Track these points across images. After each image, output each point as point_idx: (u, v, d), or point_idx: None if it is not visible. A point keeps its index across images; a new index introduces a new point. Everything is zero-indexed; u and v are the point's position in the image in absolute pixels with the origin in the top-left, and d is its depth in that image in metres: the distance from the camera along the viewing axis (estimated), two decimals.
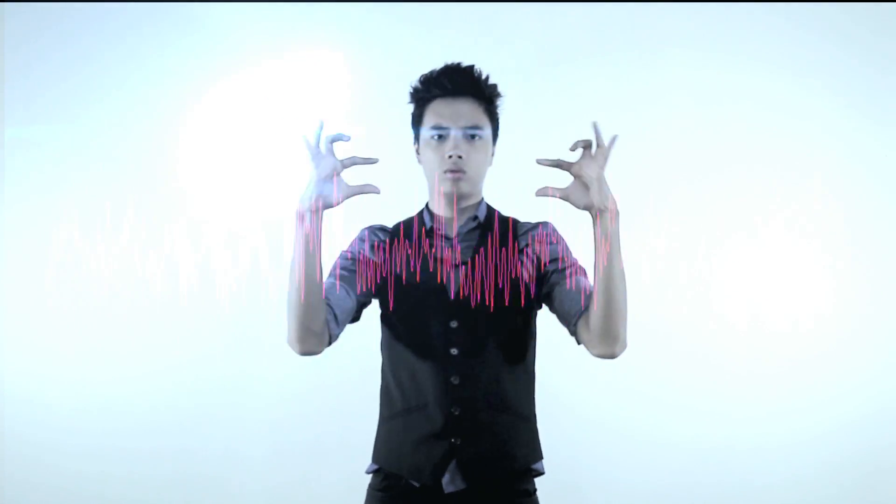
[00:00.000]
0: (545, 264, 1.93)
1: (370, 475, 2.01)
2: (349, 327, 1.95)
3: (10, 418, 3.35)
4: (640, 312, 3.23)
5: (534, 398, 1.99)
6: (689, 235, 3.29)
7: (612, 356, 1.82)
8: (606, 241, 1.73)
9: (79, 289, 3.32)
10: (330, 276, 1.94)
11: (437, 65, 1.98)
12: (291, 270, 1.78)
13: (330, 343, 1.88)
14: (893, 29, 3.34)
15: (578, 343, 1.88)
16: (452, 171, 1.93)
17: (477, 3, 3.31)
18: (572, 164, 1.77)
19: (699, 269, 3.29)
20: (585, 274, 1.94)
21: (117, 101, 3.37)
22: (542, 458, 1.98)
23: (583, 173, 1.76)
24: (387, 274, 1.95)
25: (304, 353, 1.84)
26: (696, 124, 3.35)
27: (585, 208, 1.76)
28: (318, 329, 1.81)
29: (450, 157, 1.92)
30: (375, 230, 2.03)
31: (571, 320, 1.87)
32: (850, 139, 3.35)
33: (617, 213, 1.74)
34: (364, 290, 1.94)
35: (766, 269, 3.32)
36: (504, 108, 2.02)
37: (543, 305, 1.99)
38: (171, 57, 3.37)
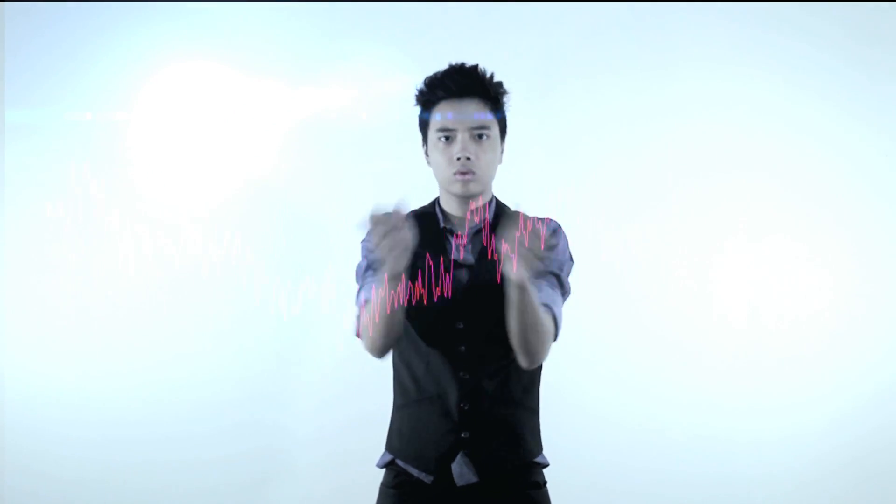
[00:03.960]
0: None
1: (382, 470, 2.01)
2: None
3: (10, 417, 3.34)
4: (641, 309, 3.33)
5: (539, 391, 2.02)
6: (689, 235, 3.31)
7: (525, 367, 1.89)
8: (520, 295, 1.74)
9: (80, 284, 3.32)
10: (369, 285, 1.92)
11: (443, 65, 1.96)
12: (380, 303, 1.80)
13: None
14: (890, 28, 3.37)
15: None
16: (462, 173, 1.92)
17: (487, 3, 3.32)
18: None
19: (699, 267, 3.31)
20: (557, 286, 1.94)
21: (121, 97, 3.37)
22: (542, 450, 2.01)
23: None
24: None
25: (382, 357, 1.91)
26: (694, 126, 3.37)
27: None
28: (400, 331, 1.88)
29: (458, 158, 1.91)
30: None
31: None
32: (847, 139, 3.38)
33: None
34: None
35: (764, 268, 3.35)
36: (512, 107, 2.00)
37: None
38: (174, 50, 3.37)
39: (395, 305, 1.77)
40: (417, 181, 2.04)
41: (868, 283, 3.36)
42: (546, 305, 1.86)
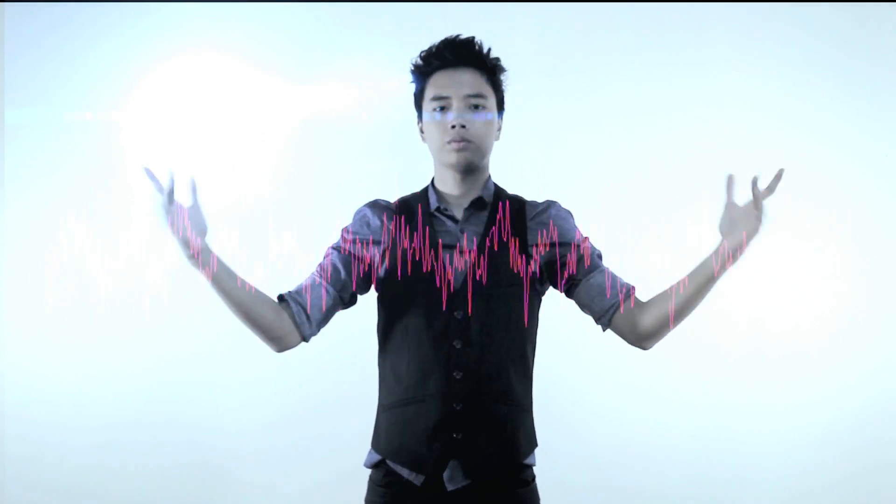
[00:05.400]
0: (570, 251, 1.92)
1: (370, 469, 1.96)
2: (349, 312, 1.96)
3: (10, 417, 3.33)
4: None
5: (532, 388, 1.95)
6: (690, 234, 3.30)
7: (644, 349, 1.93)
8: (720, 270, 1.82)
9: (80, 285, 3.31)
10: (316, 269, 1.93)
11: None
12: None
13: (307, 340, 1.90)
14: (891, 28, 3.36)
15: (604, 330, 1.95)
16: (456, 142, 1.87)
17: (488, 3, 3.32)
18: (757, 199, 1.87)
19: None
20: (601, 257, 1.96)
21: (120, 97, 3.36)
22: (536, 447, 1.95)
23: (753, 211, 1.88)
24: (388, 258, 1.89)
25: (281, 351, 1.90)
26: (695, 125, 3.36)
27: (727, 236, 1.85)
28: (278, 334, 1.86)
29: (452, 127, 1.87)
30: (377, 209, 1.96)
31: (606, 314, 1.91)
32: (849, 139, 3.37)
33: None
34: (358, 281, 1.92)
35: (766, 269, 3.34)
36: (514, 104, 1.98)
37: (547, 290, 1.97)
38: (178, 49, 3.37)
39: (219, 285, 1.82)
40: (417, 181, 2.03)
41: (872, 286, 3.35)
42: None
